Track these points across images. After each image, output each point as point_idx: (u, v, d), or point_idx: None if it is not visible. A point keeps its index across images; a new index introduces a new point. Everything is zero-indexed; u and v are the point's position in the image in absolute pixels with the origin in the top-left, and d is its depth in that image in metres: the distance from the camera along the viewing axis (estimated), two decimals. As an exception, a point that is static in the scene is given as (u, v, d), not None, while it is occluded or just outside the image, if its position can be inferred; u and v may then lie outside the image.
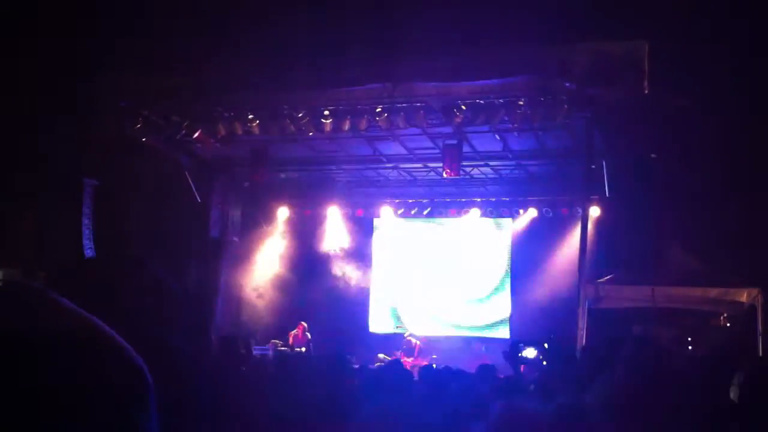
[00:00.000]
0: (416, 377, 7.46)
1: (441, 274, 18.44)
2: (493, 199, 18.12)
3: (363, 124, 13.60)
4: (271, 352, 14.11)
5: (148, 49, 13.07)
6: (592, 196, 15.31)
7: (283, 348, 15.65)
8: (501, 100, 12.59)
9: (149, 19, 12.61)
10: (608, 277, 13.64)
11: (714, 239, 13.08)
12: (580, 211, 16.34)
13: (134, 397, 0.69)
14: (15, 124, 13.06)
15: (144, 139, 14.66)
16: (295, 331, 16.31)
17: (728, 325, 14.15)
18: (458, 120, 13.00)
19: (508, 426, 1.42)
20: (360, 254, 18.82)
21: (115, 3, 12.95)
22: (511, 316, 17.47)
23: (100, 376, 0.67)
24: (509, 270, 17.93)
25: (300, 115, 13.65)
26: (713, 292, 12.86)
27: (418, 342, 16.32)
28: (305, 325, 16.34)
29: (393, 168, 17.08)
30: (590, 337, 12.29)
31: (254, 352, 10.54)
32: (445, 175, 14.67)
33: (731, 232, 12.81)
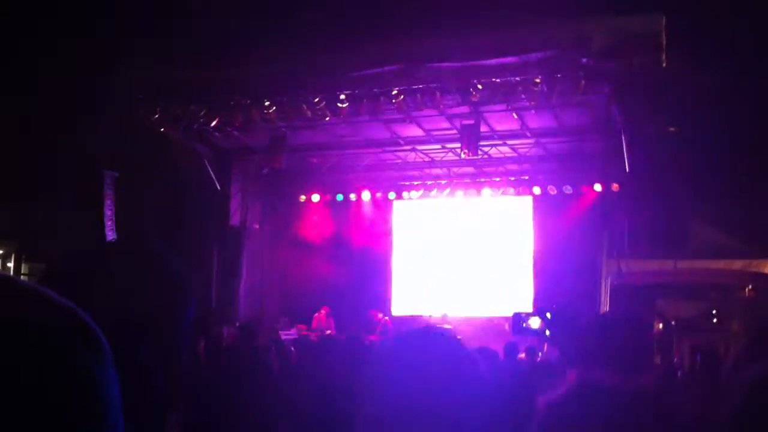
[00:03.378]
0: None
1: (462, 255, 18.43)
2: (513, 178, 18.06)
3: (379, 108, 13.57)
4: (296, 337, 14.20)
5: (164, 41, 13.09)
6: (612, 172, 15.25)
7: (306, 333, 15.74)
8: (518, 78, 12.50)
9: (164, 11, 12.63)
10: (630, 252, 13.59)
11: (736, 211, 12.96)
12: (600, 187, 16.30)
13: (78, 345, 0.70)
14: (34, 120, 13.16)
15: (162, 130, 14.72)
16: (318, 314, 16.41)
17: (754, 297, 14.05)
18: (475, 100, 12.94)
19: (582, 399, 1.39)
20: (381, 237, 18.86)
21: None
22: (534, 293, 17.45)
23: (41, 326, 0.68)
24: (531, 248, 17.89)
25: (316, 100, 13.65)
26: (737, 264, 12.79)
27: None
28: (329, 309, 16.44)
29: (411, 150, 17.04)
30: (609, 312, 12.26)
31: (282, 338, 10.61)
32: (463, 156, 14.64)
33: (753, 203, 12.69)
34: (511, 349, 8.39)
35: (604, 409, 1.40)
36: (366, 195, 18.94)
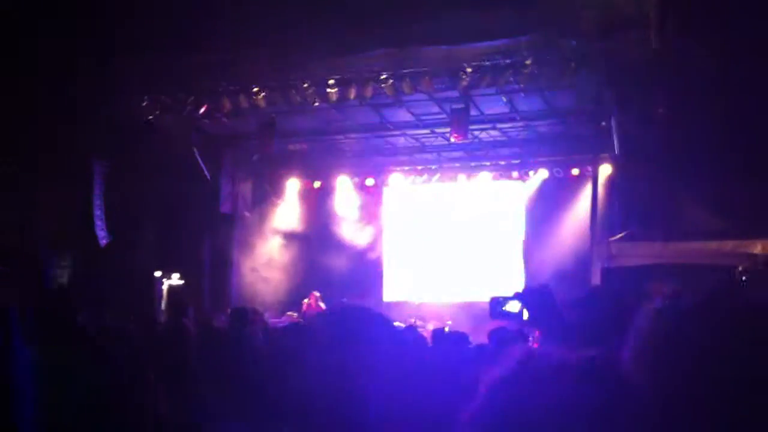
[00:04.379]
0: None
1: (453, 240, 18.43)
2: (503, 162, 18.05)
3: (368, 92, 13.51)
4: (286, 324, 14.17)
5: (151, 28, 12.98)
6: (602, 154, 15.23)
7: (298, 320, 15.72)
8: (507, 61, 12.45)
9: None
10: (621, 234, 13.57)
11: (727, 192, 12.95)
12: (590, 170, 16.29)
13: None
14: (22, 110, 13.04)
15: (150, 118, 14.63)
16: (307, 300, 16.39)
17: (744, 278, 14.07)
18: (464, 83, 12.89)
19: (528, 371, 1.36)
20: (371, 223, 18.83)
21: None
22: (525, 278, 17.46)
23: None
24: (522, 232, 17.89)
25: (305, 85, 13.58)
26: (729, 245, 12.77)
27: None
28: (318, 294, 16.41)
29: (401, 135, 16.99)
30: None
31: (270, 324, 10.58)
32: (453, 140, 14.60)
33: (744, 184, 12.68)
34: (497, 336, 8.29)
35: (546, 384, 1.36)
36: (356, 180, 18.91)
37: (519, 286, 17.15)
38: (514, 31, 11.79)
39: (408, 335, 7.50)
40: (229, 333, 6.95)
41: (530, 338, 8.99)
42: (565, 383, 1.33)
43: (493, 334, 8.03)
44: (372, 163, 18.75)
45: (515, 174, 17.97)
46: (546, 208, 17.31)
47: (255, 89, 13.85)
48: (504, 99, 14.33)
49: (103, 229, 15.39)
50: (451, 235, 18.47)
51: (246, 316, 7.21)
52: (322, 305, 16.30)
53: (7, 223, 13.68)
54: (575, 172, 17.04)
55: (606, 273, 13.06)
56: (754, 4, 10.52)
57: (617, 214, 14.42)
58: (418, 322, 15.44)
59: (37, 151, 13.65)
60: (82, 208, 14.98)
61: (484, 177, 18.15)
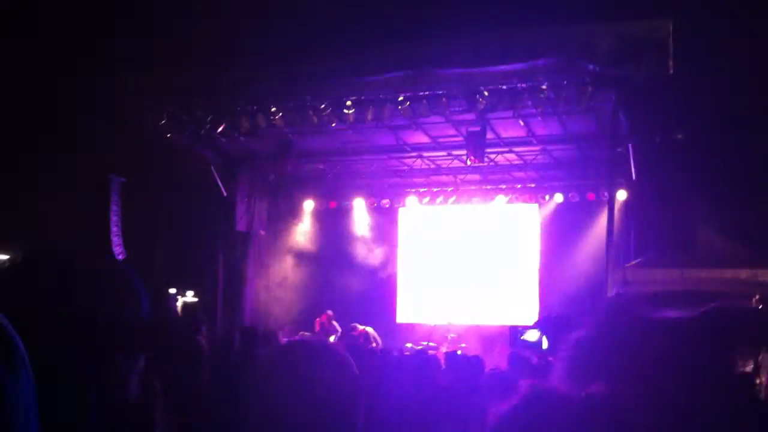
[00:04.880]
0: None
1: (467, 263, 18.38)
2: (519, 186, 18.02)
3: (385, 114, 13.56)
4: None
5: (171, 46, 13.13)
6: (618, 180, 15.17)
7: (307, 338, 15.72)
8: (524, 85, 12.47)
9: (170, 17, 12.66)
10: (636, 261, 13.50)
11: (744, 220, 12.87)
12: (606, 195, 16.22)
13: None
14: (40, 124, 13.20)
15: (169, 135, 14.75)
16: (320, 319, 16.37)
17: (761, 307, 13.93)
18: (481, 106, 12.91)
19: (533, 409, 1.38)
20: (386, 244, 18.82)
21: (136, 1, 13.02)
22: (540, 302, 17.37)
23: None
24: (537, 256, 17.82)
25: (322, 106, 13.66)
26: (744, 274, 12.68)
27: (453, 335, 16.31)
28: (331, 313, 16.39)
29: (417, 157, 17.02)
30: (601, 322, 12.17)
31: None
32: (469, 163, 14.60)
33: (761, 211, 12.60)
34: (516, 360, 8.24)
35: (552, 418, 1.38)
36: (372, 202, 18.94)
37: (533, 310, 17.13)
38: (531, 55, 11.82)
39: (413, 360, 7.45)
40: (238, 353, 6.94)
41: (549, 367, 8.92)
42: (569, 417, 1.34)
43: (512, 360, 7.96)
44: (388, 185, 18.77)
45: (531, 198, 17.94)
46: (561, 232, 17.24)
47: (273, 109, 13.94)
48: (521, 123, 14.34)
49: (119, 245, 15.49)
50: (466, 257, 18.43)
51: (256, 335, 7.20)
52: (335, 324, 16.28)
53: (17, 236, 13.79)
54: (591, 196, 16.97)
55: (621, 299, 12.97)
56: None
57: (633, 240, 14.36)
58: (431, 345, 15.40)
59: (56, 167, 13.78)
60: (99, 223, 15.09)
61: (500, 200, 18.13)
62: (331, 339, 15.60)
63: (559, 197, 17.50)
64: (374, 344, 14.90)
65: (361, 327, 15.94)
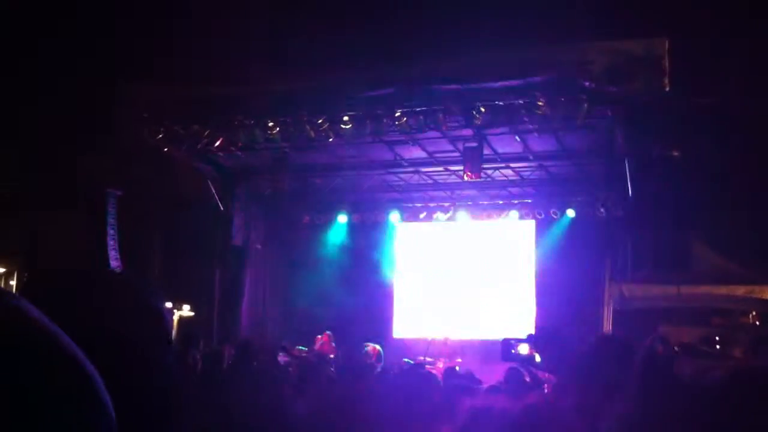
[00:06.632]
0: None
1: (464, 278, 18.36)
2: (516, 201, 18.04)
3: (382, 129, 13.58)
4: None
5: (167, 60, 13.17)
6: (615, 196, 15.22)
7: (304, 354, 15.63)
8: (521, 101, 12.51)
9: (167, 30, 12.71)
10: (633, 277, 13.52)
11: (740, 236, 12.90)
12: (603, 211, 16.26)
13: (73, 396, 0.65)
14: (37, 137, 13.21)
15: (166, 149, 14.76)
16: (321, 337, 16.28)
17: (758, 323, 13.94)
18: (478, 122, 12.94)
19: (475, 424, 1.39)
20: (382, 260, 18.80)
21: (133, 14, 13.07)
22: (536, 317, 17.35)
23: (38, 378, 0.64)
24: (533, 271, 17.81)
25: (319, 121, 13.68)
26: (741, 290, 12.70)
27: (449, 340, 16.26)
28: (330, 334, 16.27)
29: (414, 172, 17.04)
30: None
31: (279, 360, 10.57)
32: (466, 178, 14.61)
33: (757, 228, 12.63)
34: (513, 376, 8.21)
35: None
36: (368, 217, 18.93)
37: (530, 325, 17.10)
38: (527, 72, 11.88)
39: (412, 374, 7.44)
40: (233, 367, 6.94)
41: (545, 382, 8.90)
42: (511, 429, 1.36)
43: (509, 374, 7.93)
44: (384, 199, 18.78)
45: (527, 213, 17.95)
46: (558, 247, 17.24)
47: (270, 123, 13.95)
48: (517, 139, 14.38)
49: (116, 259, 15.47)
50: (462, 273, 18.41)
51: (252, 349, 7.20)
52: (333, 345, 16.18)
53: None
54: (588, 213, 16.99)
55: (618, 315, 13.00)
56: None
57: (629, 256, 14.38)
58: (428, 359, 15.35)
59: (52, 178, 13.79)
60: (95, 236, 15.08)
61: (496, 215, 18.13)
62: (331, 357, 15.53)
63: (555, 213, 17.52)
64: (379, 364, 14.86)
65: (371, 345, 15.92)
